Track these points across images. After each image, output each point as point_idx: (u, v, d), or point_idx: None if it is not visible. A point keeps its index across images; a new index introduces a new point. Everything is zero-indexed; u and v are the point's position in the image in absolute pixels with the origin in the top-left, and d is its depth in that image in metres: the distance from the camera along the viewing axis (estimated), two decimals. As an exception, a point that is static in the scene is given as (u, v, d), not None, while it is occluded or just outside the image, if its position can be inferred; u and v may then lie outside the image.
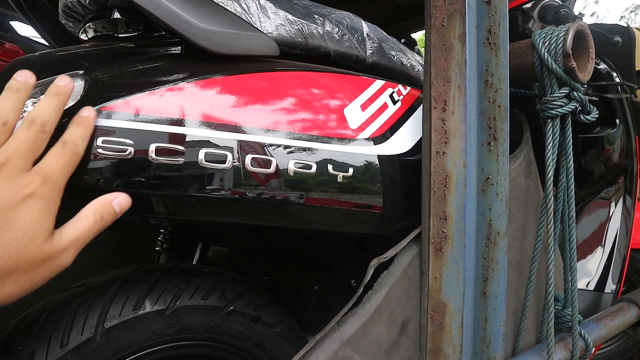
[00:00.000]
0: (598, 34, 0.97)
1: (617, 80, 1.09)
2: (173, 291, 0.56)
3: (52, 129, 0.37)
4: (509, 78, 0.70)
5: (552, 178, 0.64)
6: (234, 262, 0.79)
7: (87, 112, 0.39)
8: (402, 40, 1.32)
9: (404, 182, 0.55)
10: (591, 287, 1.14)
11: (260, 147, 0.44)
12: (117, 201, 0.39)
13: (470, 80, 0.50)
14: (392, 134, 0.53)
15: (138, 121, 0.41)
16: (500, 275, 0.54)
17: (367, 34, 0.57)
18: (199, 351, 0.58)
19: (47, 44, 0.70)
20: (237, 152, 0.44)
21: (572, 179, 0.66)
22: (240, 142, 0.44)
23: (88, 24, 0.54)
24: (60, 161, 0.36)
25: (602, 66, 1.13)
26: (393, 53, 0.60)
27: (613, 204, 1.12)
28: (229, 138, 0.43)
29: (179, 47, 0.49)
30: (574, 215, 0.67)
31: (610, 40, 0.96)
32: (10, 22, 1.37)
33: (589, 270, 1.14)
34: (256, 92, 0.46)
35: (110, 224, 0.39)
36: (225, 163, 0.43)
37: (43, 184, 0.33)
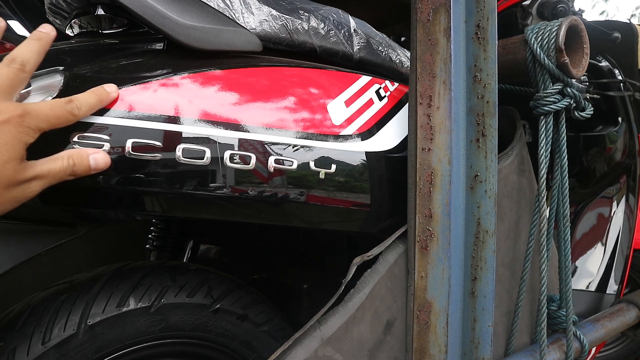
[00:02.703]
0: (597, 30, 0.95)
1: (619, 77, 1.07)
2: (158, 288, 0.56)
3: (31, 70, 0.39)
4: (502, 74, 0.69)
5: (545, 176, 0.63)
6: (225, 260, 0.79)
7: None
8: (402, 39, 1.31)
9: (391, 179, 0.54)
10: (592, 287, 1.12)
11: (239, 143, 0.44)
12: (94, 156, 0.39)
13: (456, 76, 0.49)
14: (378, 131, 0.52)
15: (115, 117, 0.41)
16: (489, 274, 0.53)
17: (354, 29, 0.57)
18: (185, 349, 0.57)
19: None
20: (215, 148, 0.43)
21: (567, 177, 0.65)
22: (218, 138, 0.43)
23: (73, 21, 0.54)
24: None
25: (604, 63, 1.11)
26: (381, 49, 0.59)
27: (615, 204, 1.10)
28: (207, 134, 0.43)
29: (162, 44, 0.49)
30: (568, 214, 0.65)
31: (609, 36, 0.94)
32: (8, 22, 1.39)
33: (590, 270, 1.12)
34: (236, 88, 0.45)
35: (81, 175, 0.39)
36: (203, 159, 0.43)
37: (20, 116, 0.35)
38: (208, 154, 0.43)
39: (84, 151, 0.39)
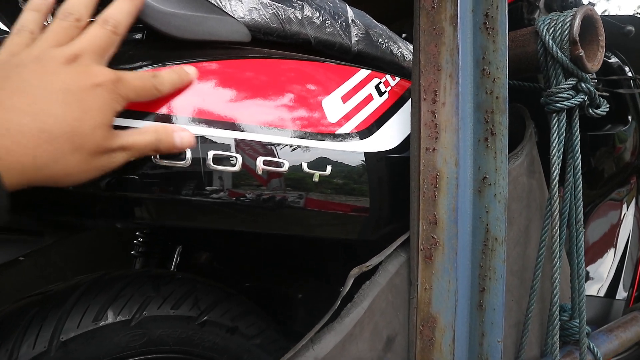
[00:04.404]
0: (609, 22, 0.91)
1: (630, 74, 1.03)
2: (140, 300, 0.51)
3: (122, 33, 0.37)
4: (510, 69, 0.65)
5: (557, 178, 0.58)
6: (216, 267, 0.74)
7: None
8: (403, 35, 1.26)
9: (392, 182, 0.50)
10: (601, 293, 1.08)
11: (224, 143, 0.40)
12: (180, 133, 0.38)
13: (463, 68, 0.45)
14: (377, 129, 0.48)
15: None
16: (498, 285, 0.49)
17: (352, 19, 0.53)
18: (169, 365, 0.53)
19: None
20: (197, 148, 0.39)
21: (580, 179, 0.61)
22: (200, 137, 0.39)
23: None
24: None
25: (614, 59, 1.06)
26: (381, 41, 0.55)
27: (625, 206, 1.05)
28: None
29: (141, 33, 0.45)
30: (582, 218, 0.61)
31: (622, 30, 0.90)
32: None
33: (599, 275, 1.07)
34: (220, 82, 0.41)
35: (166, 153, 0.38)
36: (183, 160, 0.39)
37: (113, 82, 0.35)
38: (189, 154, 0.39)
39: (170, 127, 0.38)
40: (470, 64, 0.50)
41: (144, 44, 0.44)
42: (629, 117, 1.06)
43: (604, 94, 1.05)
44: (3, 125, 0.30)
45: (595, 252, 1.07)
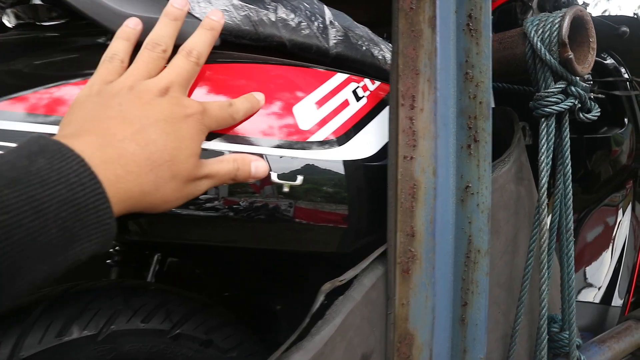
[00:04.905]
0: (603, 24, 0.89)
1: (626, 76, 1.01)
2: (108, 313, 0.49)
3: (202, 64, 0.39)
4: (499, 72, 0.63)
5: (546, 185, 0.56)
6: (195, 276, 0.72)
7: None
8: (385, 35, 1.24)
9: (370, 191, 0.47)
10: (597, 300, 1.05)
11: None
12: (255, 163, 0.39)
13: (442, 72, 0.43)
14: (354, 136, 0.46)
15: (29, 122, 0.34)
16: (481, 300, 0.47)
17: (330, 21, 0.50)
18: (140, 380, 0.51)
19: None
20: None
21: (570, 186, 0.59)
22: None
23: (11, 10, 0.48)
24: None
25: (609, 61, 1.04)
26: (362, 43, 0.53)
27: (621, 212, 1.03)
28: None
29: (104, 37, 0.42)
30: (572, 227, 0.59)
31: (616, 31, 0.87)
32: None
33: (594, 282, 1.05)
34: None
35: (240, 181, 0.39)
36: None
37: (201, 113, 0.36)
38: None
39: (247, 157, 0.39)
40: (453, 67, 0.47)
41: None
42: (625, 120, 1.03)
43: (600, 95, 1.03)
44: (116, 152, 0.31)
45: (591, 259, 1.05)
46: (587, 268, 1.04)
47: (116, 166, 0.30)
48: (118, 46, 0.37)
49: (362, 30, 0.54)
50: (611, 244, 1.03)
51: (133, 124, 0.33)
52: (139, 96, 0.34)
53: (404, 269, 0.43)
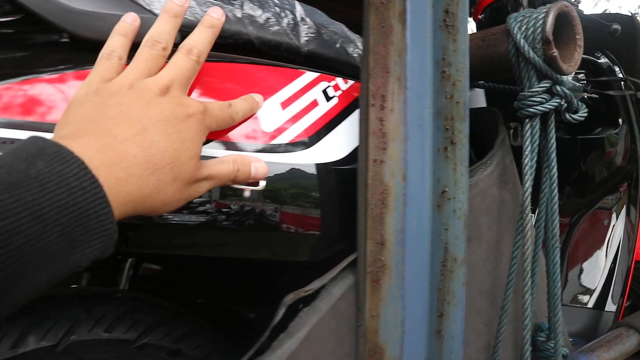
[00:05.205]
0: (594, 21, 0.86)
1: (620, 75, 0.98)
2: (68, 323, 0.47)
3: (203, 62, 0.38)
4: (484, 70, 0.60)
5: (530, 189, 0.54)
6: (170, 282, 0.70)
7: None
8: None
9: (341, 197, 0.45)
10: (590, 304, 1.03)
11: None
12: (255, 164, 0.38)
13: (413, 70, 0.40)
14: (322, 138, 0.43)
15: None
16: (457, 311, 0.44)
17: (301, 17, 0.48)
18: (103, 393, 0.49)
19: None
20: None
21: (556, 190, 0.56)
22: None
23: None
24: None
25: (603, 60, 1.01)
26: (336, 40, 0.50)
27: (615, 216, 1.00)
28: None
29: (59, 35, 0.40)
30: (558, 233, 0.56)
31: (607, 29, 0.85)
32: None
33: (587, 286, 1.03)
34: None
35: (239, 182, 0.38)
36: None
37: (202, 113, 0.35)
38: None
39: (247, 157, 0.38)
40: (429, 65, 0.45)
41: (66, 45, 0.40)
42: (620, 120, 1.01)
43: (594, 95, 1.00)
44: (117, 154, 0.30)
45: (584, 263, 1.02)
46: (580, 272, 1.02)
47: (117, 169, 0.29)
48: (116, 42, 0.36)
49: (337, 27, 0.51)
50: (605, 248, 1.00)
51: (134, 124, 0.32)
52: (140, 95, 0.33)
53: (374, 279, 0.41)
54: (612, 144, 1.02)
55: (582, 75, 1.02)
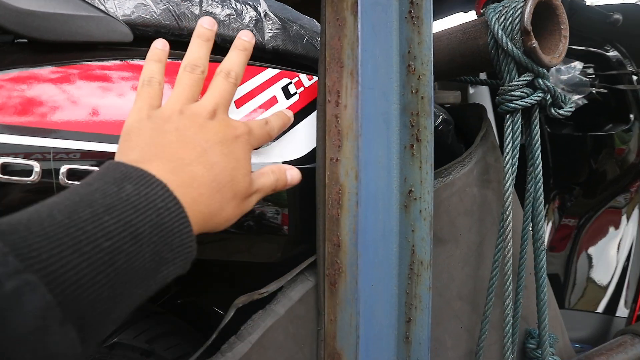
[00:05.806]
0: (593, 11, 0.81)
1: (631, 69, 0.93)
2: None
3: (239, 83, 0.39)
4: (465, 65, 0.58)
5: (512, 188, 0.51)
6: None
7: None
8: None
9: (304, 197, 0.44)
10: (600, 309, 0.98)
11: (81, 155, 0.35)
12: (290, 172, 0.40)
13: (372, 65, 0.39)
14: (281, 136, 0.42)
15: None
16: (424, 316, 0.42)
17: (265, 13, 0.47)
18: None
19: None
20: (49, 162, 0.34)
21: (541, 190, 0.53)
22: (53, 149, 0.35)
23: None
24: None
25: (613, 53, 0.96)
26: (303, 35, 0.49)
27: (626, 217, 0.95)
28: (37, 144, 0.34)
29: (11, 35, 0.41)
30: (544, 236, 0.53)
31: (608, 19, 0.80)
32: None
33: (597, 291, 0.97)
34: (73, 89, 0.36)
35: (279, 190, 0.40)
36: (31, 175, 0.34)
37: (247, 133, 0.37)
38: (37, 168, 0.34)
39: (283, 167, 0.40)
40: (396, 59, 0.43)
41: (14, 46, 0.40)
42: (631, 116, 0.95)
43: (602, 90, 0.95)
44: (188, 176, 0.32)
45: (593, 265, 0.97)
46: (589, 276, 0.97)
47: (191, 189, 0.31)
48: (153, 69, 0.37)
49: (305, 21, 0.50)
50: (617, 251, 0.95)
51: (195, 147, 0.33)
52: (192, 120, 0.35)
53: (332, 282, 0.39)
54: (624, 140, 0.97)
55: (590, 69, 0.97)
